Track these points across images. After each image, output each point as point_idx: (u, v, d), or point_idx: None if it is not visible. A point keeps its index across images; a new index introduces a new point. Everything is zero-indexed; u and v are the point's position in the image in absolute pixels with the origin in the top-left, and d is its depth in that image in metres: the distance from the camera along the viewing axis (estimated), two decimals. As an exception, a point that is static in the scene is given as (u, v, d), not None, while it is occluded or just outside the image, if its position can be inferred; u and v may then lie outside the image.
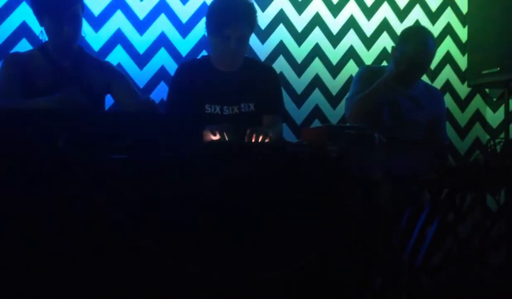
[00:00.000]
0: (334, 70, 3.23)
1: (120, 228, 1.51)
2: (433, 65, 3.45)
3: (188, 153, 1.64)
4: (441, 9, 3.48)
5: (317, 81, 3.17)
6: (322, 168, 1.80)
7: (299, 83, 3.16)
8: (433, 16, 3.46)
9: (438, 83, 3.47)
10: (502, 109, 3.41)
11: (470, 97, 3.55)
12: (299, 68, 3.16)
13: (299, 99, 3.15)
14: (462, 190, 2.11)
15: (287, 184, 1.75)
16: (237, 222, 1.67)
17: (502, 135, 3.33)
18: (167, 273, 1.55)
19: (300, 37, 3.16)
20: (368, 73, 2.61)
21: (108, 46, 2.79)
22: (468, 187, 2.01)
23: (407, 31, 2.64)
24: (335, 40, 3.24)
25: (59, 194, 1.51)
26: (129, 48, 2.84)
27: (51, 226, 1.50)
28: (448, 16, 3.49)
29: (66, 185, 1.50)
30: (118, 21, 2.82)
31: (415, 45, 2.50)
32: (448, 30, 3.49)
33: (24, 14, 2.68)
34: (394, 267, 2.07)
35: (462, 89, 3.52)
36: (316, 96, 3.14)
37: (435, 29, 3.46)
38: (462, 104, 3.54)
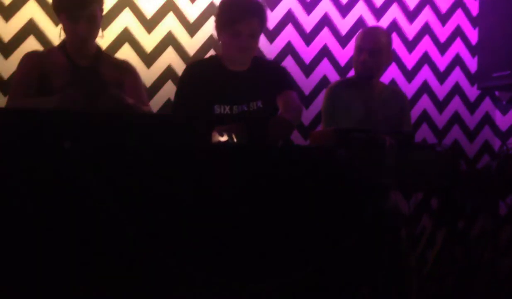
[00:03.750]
0: (343, 71, 3.20)
1: (124, 231, 1.49)
2: (442, 67, 3.42)
3: (195, 154, 1.62)
4: (451, 11, 3.44)
5: (325, 82, 3.15)
6: (331, 170, 1.78)
7: (307, 84, 3.13)
8: (443, 18, 3.42)
9: (447, 85, 3.44)
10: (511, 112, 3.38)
11: (479, 100, 3.51)
12: (307, 68, 3.14)
13: (307, 100, 3.13)
14: (473, 196, 2.08)
15: (294, 188, 1.73)
16: (242, 226, 1.65)
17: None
18: (170, 276, 1.53)
19: (308, 38, 3.14)
20: (340, 87, 2.68)
21: (115, 45, 2.78)
22: (480, 193, 1.97)
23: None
24: (343, 40, 3.21)
25: (64, 195, 1.49)
26: (136, 47, 2.82)
27: (54, 228, 1.49)
28: (458, 18, 3.45)
29: (72, 187, 1.49)
30: (126, 19, 2.80)
31: (363, 33, 2.66)
32: (458, 32, 3.45)
33: (32, 11, 2.67)
34: (401, 274, 2.05)
35: (472, 92, 3.49)
36: (324, 97, 3.11)
37: (445, 31, 3.42)
38: (472, 107, 3.50)
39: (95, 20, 2.12)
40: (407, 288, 2.11)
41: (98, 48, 2.26)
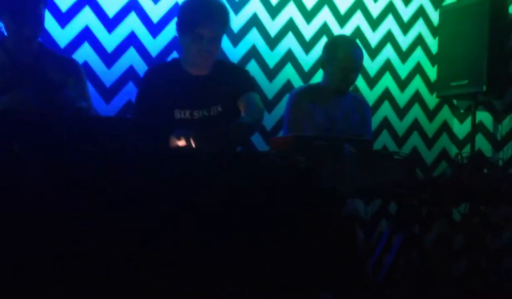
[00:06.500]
0: (306, 76, 3.22)
1: (81, 236, 1.46)
2: (403, 75, 3.49)
3: (151, 158, 1.60)
4: (412, 20, 3.51)
5: (289, 87, 3.15)
6: (290, 178, 1.78)
7: (271, 89, 3.14)
8: (405, 27, 3.49)
9: (408, 93, 3.50)
10: (468, 121, 3.47)
11: (438, 108, 3.60)
12: (271, 73, 3.14)
13: (270, 104, 3.13)
14: (428, 203, 2.12)
15: (252, 194, 1.72)
16: (198, 232, 1.63)
17: (468, 146, 3.39)
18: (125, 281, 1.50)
19: (272, 42, 3.14)
20: (304, 95, 2.68)
21: (75, 44, 2.71)
22: (435, 200, 2.02)
23: (334, 41, 2.77)
24: (308, 46, 3.23)
25: (14, 199, 1.44)
26: (97, 46, 2.75)
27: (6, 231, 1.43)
28: (420, 27, 3.53)
29: (23, 190, 1.44)
30: (86, 17, 2.73)
31: (346, 50, 2.63)
32: (419, 41, 3.53)
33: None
34: (359, 280, 2.07)
35: (431, 100, 3.57)
36: (287, 102, 3.12)
37: (407, 40, 3.49)
38: (430, 114, 3.58)
39: (41, 19, 2.07)
40: (364, 293, 2.13)
41: (40, 44, 2.20)
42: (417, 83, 3.52)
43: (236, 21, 3.01)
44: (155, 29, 2.88)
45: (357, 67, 2.67)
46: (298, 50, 3.20)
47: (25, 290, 1.40)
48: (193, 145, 1.82)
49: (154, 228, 1.57)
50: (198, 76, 2.25)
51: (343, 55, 2.63)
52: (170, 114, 2.15)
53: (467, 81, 3.19)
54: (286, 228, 1.76)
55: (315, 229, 1.80)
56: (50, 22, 2.61)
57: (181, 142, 1.82)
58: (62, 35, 2.67)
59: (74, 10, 2.70)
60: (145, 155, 1.60)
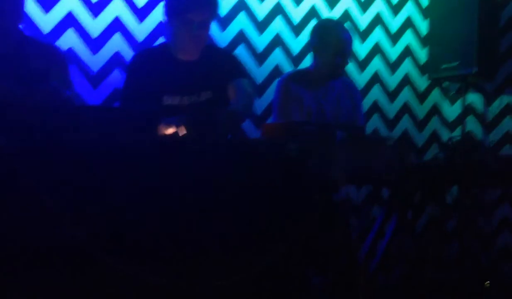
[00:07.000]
0: (296, 60, 3.18)
1: (64, 226, 1.43)
2: (393, 57, 3.46)
3: (140, 146, 1.57)
4: (402, 2, 3.47)
5: (278, 71, 3.12)
6: (282, 164, 1.76)
7: (260, 73, 3.09)
8: (395, 9, 3.45)
9: (398, 75, 3.48)
10: (459, 103, 3.46)
11: (429, 90, 3.58)
12: (260, 57, 3.10)
13: (260, 89, 3.09)
14: (421, 188, 2.11)
15: (245, 181, 1.70)
16: (188, 221, 1.61)
17: (459, 128, 3.39)
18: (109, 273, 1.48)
19: (261, 26, 3.09)
20: (293, 80, 2.65)
21: (59, 29, 2.64)
22: (428, 185, 2.01)
23: (323, 26, 2.73)
24: (297, 29, 3.18)
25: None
26: (82, 32, 2.69)
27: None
28: (410, 9, 3.49)
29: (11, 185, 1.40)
30: (70, 2, 2.66)
31: (337, 35, 2.60)
32: (409, 23, 3.49)
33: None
34: (350, 265, 2.06)
35: (422, 82, 3.55)
36: (277, 87, 3.08)
37: (396, 22, 3.46)
38: (421, 97, 3.56)
39: (20, 8, 2.02)
40: (356, 279, 2.13)
41: (20, 32, 2.13)
42: (407, 65, 3.49)
43: (224, 5, 2.95)
44: (140, 13, 2.81)
45: (350, 50, 2.66)
46: (287, 34, 3.16)
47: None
48: (182, 133, 1.78)
49: (143, 217, 1.54)
50: (188, 62, 2.21)
51: (336, 40, 2.60)
52: (159, 100, 2.12)
53: (458, 63, 3.18)
54: (279, 215, 1.75)
55: (308, 215, 1.79)
56: (33, 8, 2.55)
57: (170, 130, 1.79)
58: (45, 21, 2.60)
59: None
60: (134, 144, 1.56)
